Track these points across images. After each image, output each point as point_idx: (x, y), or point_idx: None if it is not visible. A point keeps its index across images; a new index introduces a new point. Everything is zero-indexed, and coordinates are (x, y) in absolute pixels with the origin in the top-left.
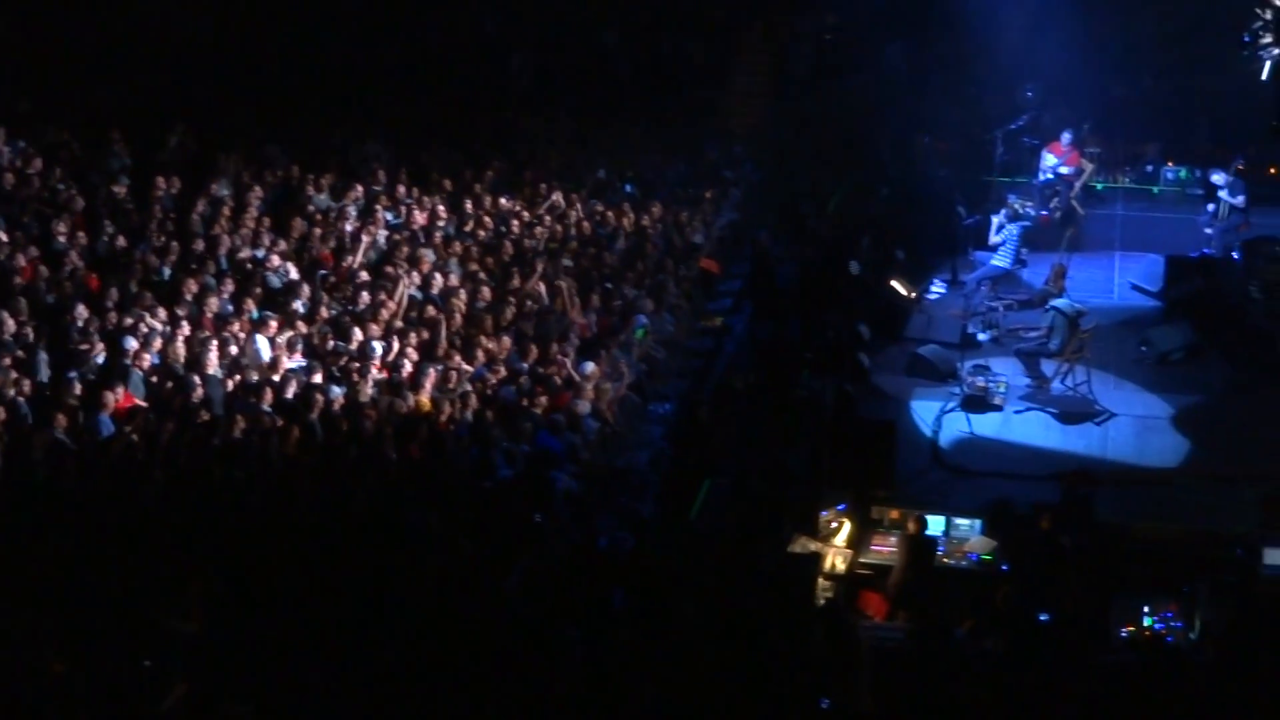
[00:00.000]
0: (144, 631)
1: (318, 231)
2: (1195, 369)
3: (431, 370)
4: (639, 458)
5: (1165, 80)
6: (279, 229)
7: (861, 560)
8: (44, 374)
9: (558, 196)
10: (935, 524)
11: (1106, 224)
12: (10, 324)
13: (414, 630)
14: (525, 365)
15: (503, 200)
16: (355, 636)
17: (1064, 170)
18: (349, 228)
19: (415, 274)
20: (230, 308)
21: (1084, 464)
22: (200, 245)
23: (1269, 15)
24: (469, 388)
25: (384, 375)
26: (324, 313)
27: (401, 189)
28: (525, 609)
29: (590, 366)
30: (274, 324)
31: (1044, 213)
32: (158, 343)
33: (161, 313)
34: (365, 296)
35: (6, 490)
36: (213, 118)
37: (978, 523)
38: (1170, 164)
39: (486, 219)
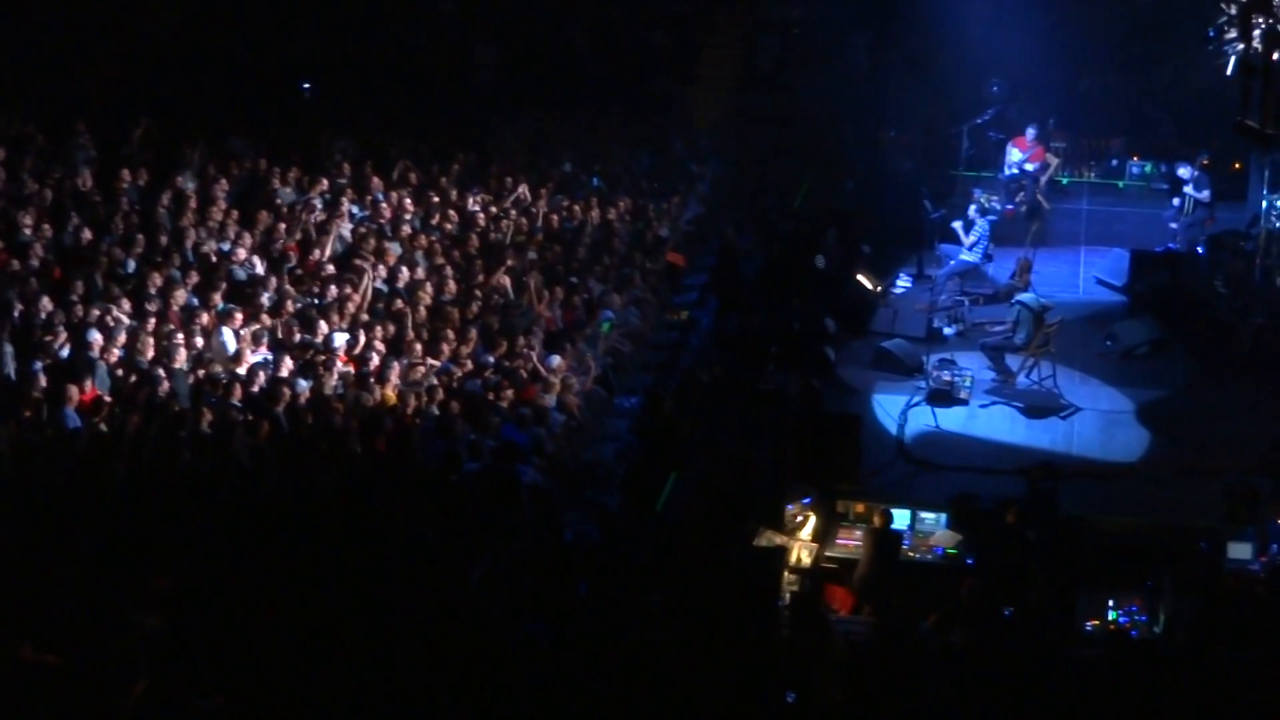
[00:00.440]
0: (108, 625)
1: (283, 225)
2: (1160, 363)
3: (397, 364)
4: (605, 451)
5: (1130, 75)
6: (244, 222)
7: (827, 554)
8: (9, 367)
9: (523, 190)
10: (900, 518)
11: (1072, 219)
12: None
13: (380, 623)
14: (491, 359)
15: (469, 194)
16: (321, 630)
17: (1029, 167)
18: (314, 221)
19: (381, 267)
20: (195, 301)
21: (1049, 458)
22: (166, 238)
23: (1233, 10)
24: (435, 381)
25: (350, 369)
26: (290, 306)
27: (373, 181)
28: (491, 602)
29: (556, 360)
30: (240, 317)
31: (1009, 207)
32: (122, 336)
33: (127, 305)
34: (332, 290)
35: None
36: (178, 111)
37: (943, 517)
38: (1135, 159)
39: (452, 212)
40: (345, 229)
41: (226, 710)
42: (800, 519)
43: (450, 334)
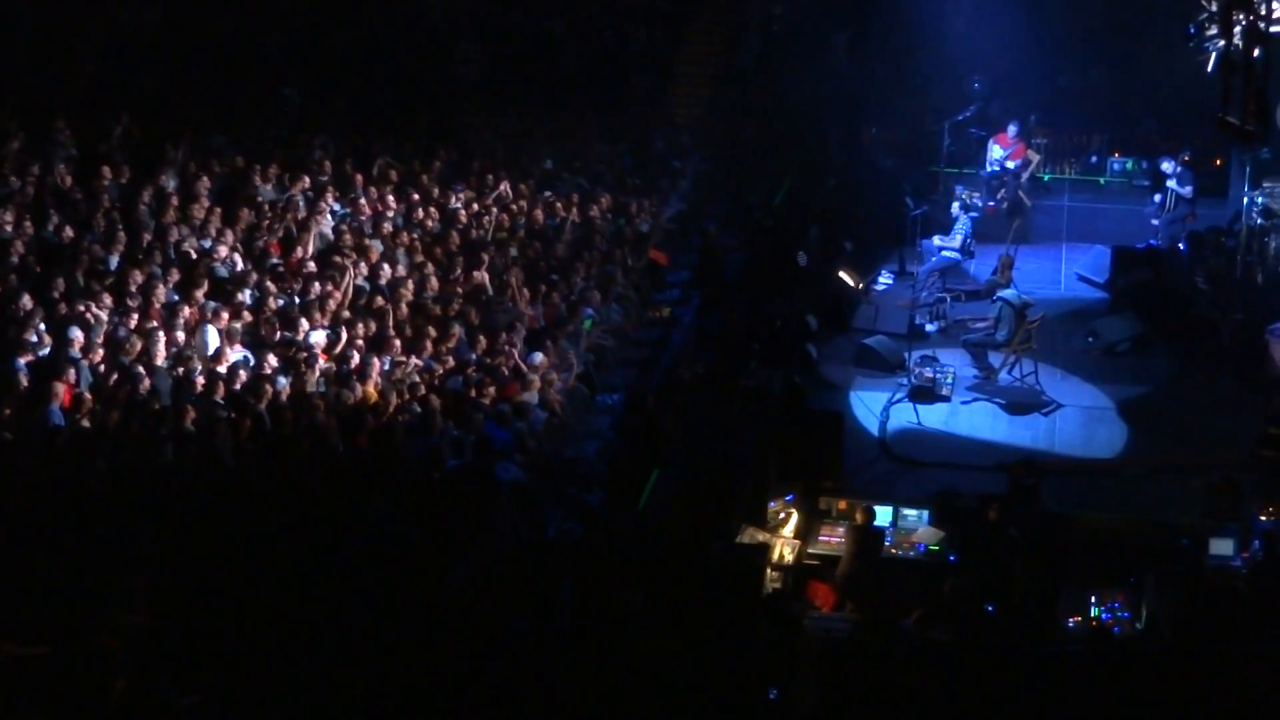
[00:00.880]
0: (90, 622)
1: (265, 222)
2: (1141, 360)
3: (377, 360)
4: (587, 448)
5: (1111, 72)
6: (226, 220)
7: (809, 551)
8: None
9: (505, 187)
10: (883, 515)
11: (1053, 215)
12: None
13: (361, 621)
14: (473, 356)
15: (450, 191)
16: (303, 628)
17: (1010, 163)
18: (296, 218)
19: (363, 264)
20: (176, 298)
21: (1031, 455)
22: (147, 236)
23: (1214, 7)
24: (416, 378)
25: (331, 366)
26: (271, 303)
27: (349, 179)
28: (473, 599)
29: (538, 357)
30: (222, 315)
31: (991, 204)
32: (103, 333)
33: (108, 302)
34: (314, 287)
35: None
36: (158, 108)
37: (925, 513)
38: (1117, 155)
39: (434, 209)
40: (327, 226)
41: (207, 708)
42: (783, 516)
43: (432, 331)
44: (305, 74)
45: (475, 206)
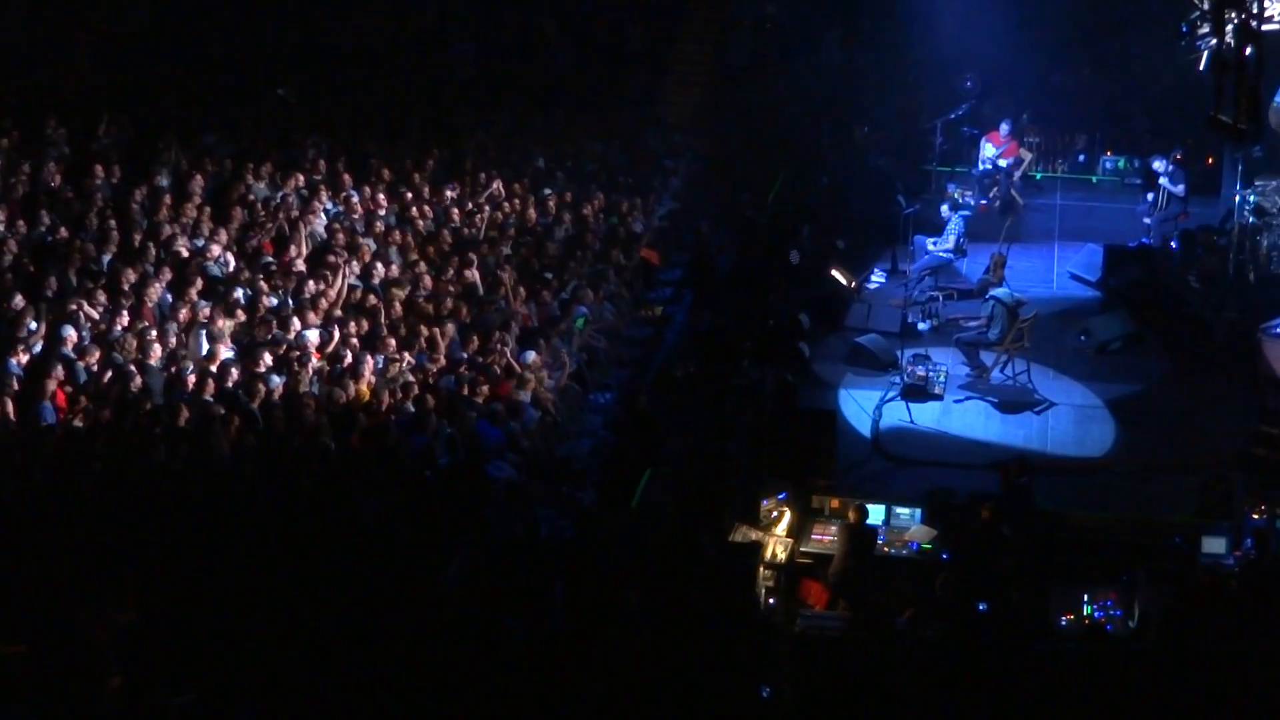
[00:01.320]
0: (82, 621)
1: (258, 221)
2: (1134, 358)
3: (370, 359)
4: (580, 447)
5: (1103, 70)
6: (218, 218)
7: (802, 549)
8: None
9: (498, 186)
10: (875, 513)
11: (1046, 214)
12: None
13: (355, 619)
14: (465, 355)
15: (443, 190)
16: (296, 626)
17: (1003, 162)
18: (289, 217)
19: (355, 263)
20: (169, 297)
21: (1023, 453)
22: (139, 235)
23: (1206, 6)
24: (410, 377)
25: (324, 365)
26: (265, 302)
27: (342, 178)
28: (466, 598)
29: (531, 356)
30: (216, 316)
31: (983, 202)
32: (96, 332)
33: (101, 300)
34: (309, 286)
35: None
36: (150, 106)
37: (918, 512)
38: (1109, 154)
39: (427, 208)
40: (320, 225)
41: (200, 706)
42: (775, 514)
43: (424, 330)
44: (298, 72)
45: (468, 205)
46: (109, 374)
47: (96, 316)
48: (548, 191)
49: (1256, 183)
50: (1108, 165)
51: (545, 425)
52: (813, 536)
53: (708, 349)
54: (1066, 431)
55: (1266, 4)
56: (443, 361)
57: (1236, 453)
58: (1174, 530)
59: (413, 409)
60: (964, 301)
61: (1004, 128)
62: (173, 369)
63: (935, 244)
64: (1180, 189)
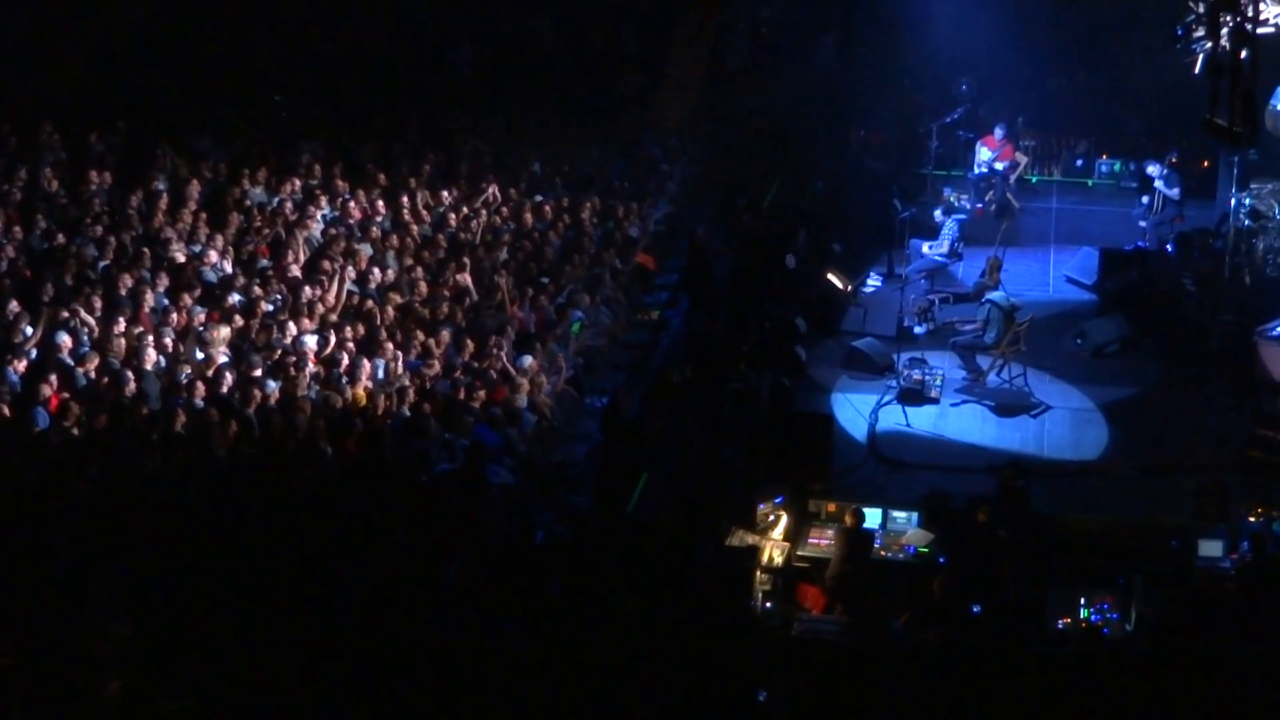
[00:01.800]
0: (79, 628)
1: (254, 226)
2: (1130, 362)
3: (367, 364)
4: (576, 451)
5: (1099, 74)
6: (214, 224)
7: (799, 553)
8: None
9: (494, 190)
10: (872, 517)
11: (1041, 217)
12: None
13: (352, 624)
14: (462, 360)
15: (439, 194)
16: (293, 632)
17: (998, 165)
18: (285, 222)
19: (351, 268)
20: (166, 302)
21: (1020, 457)
22: (135, 240)
23: (1201, 9)
24: (406, 382)
25: (320, 370)
26: (261, 307)
27: (338, 183)
28: (463, 602)
29: (528, 360)
30: (213, 323)
31: (979, 206)
32: (92, 337)
33: (97, 306)
34: (305, 291)
35: None
36: (146, 111)
37: (914, 515)
38: (1104, 157)
39: (424, 213)
40: (316, 230)
41: (198, 712)
42: (772, 519)
43: (420, 334)
44: (293, 77)
45: (464, 210)
46: (105, 380)
47: (93, 322)
48: (540, 198)
49: (1252, 186)
50: (1103, 169)
51: (541, 430)
52: (809, 540)
53: (704, 353)
54: (1063, 435)
55: (1262, 7)
56: (438, 367)
57: (1233, 456)
58: (1170, 533)
59: (409, 414)
60: (960, 305)
61: (998, 131)
62: (169, 374)
63: (930, 248)
64: (1175, 192)
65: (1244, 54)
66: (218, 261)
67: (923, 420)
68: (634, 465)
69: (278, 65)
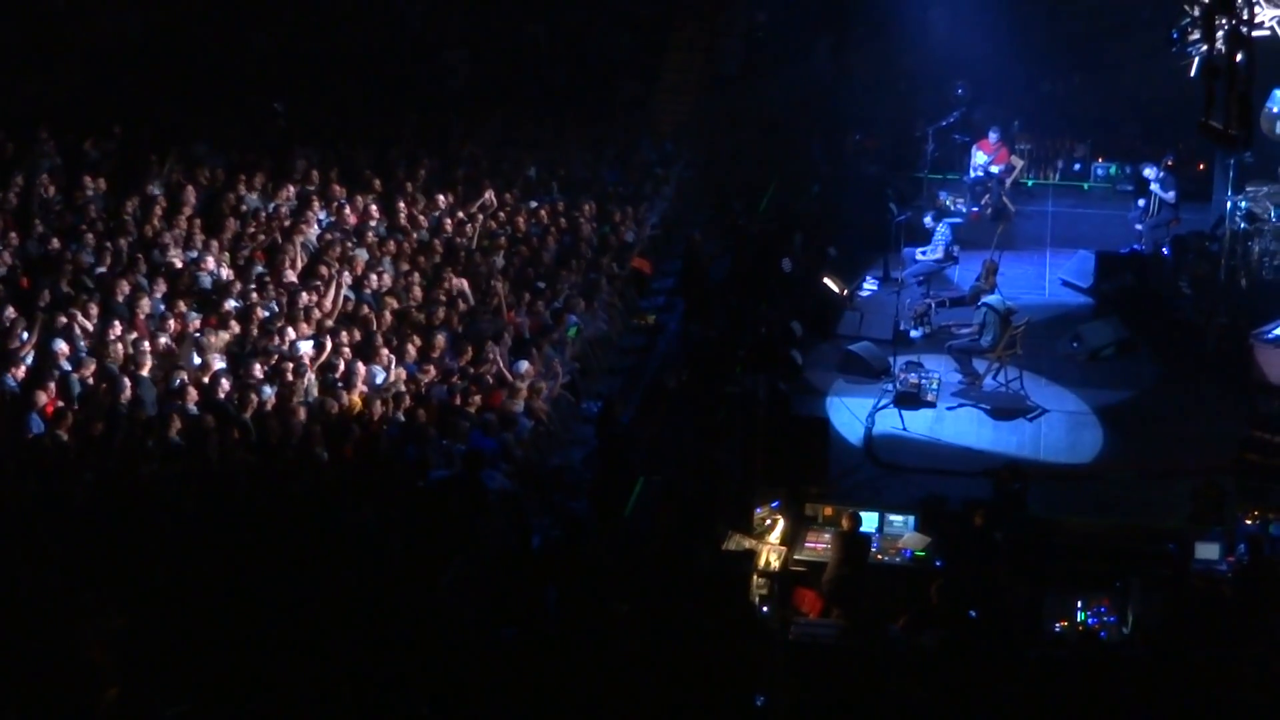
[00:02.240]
0: (77, 632)
1: (250, 231)
2: (1126, 365)
3: (363, 369)
4: (572, 456)
5: (1094, 77)
6: (211, 229)
7: (796, 557)
8: None
9: (490, 195)
10: (869, 520)
11: (1037, 221)
12: None
13: (349, 629)
14: (458, 364)
15: (436, 199)
16: (290, 637)
17: (994, 169)
18: (281, 227)
19: (348, 274)
20: (162, 308)
21: (1016, 460)
22: (131, 246)
23: (1196, 12)
24: (402, 387)
25: (316, 375)
26: (258, 313)
27: (334, 188)
28: (460, 608)
29: (524, 365)
30: (209, 328)
31: (974, 210)
32: (88, 344)
33: (94, 312)
34: (302, 297)
35: None
36: (141, 117)
37: (911, 519)
38: (1100, 160)
39: (420, 218)
40: (312, 235)
41: (196, 717)
42: (769, 522)
43: (417, 340)
44: (289, 83)
45: (460, 215)
46: (101, 386)
47: (90, 328)
48: (534, 203)
49: (1248, 189)
50: (1099, 172)
51: (538, 435)
52: (806, 544)
53: (700, 357)
54: (1059, 438)
55: (1257, 10)
56: (434, 372)
57: (1229, 458)
58: (1167, 536)
59: (404, 419)
60: (956, 309)
61: (992, 135)
62: (165, 379)
63: (924, 253)
64: (1171, 195)
65: (1239, 57)
66: (214, 268)
67: (919, 424)
68: (630, 470)
69: (273, 71)
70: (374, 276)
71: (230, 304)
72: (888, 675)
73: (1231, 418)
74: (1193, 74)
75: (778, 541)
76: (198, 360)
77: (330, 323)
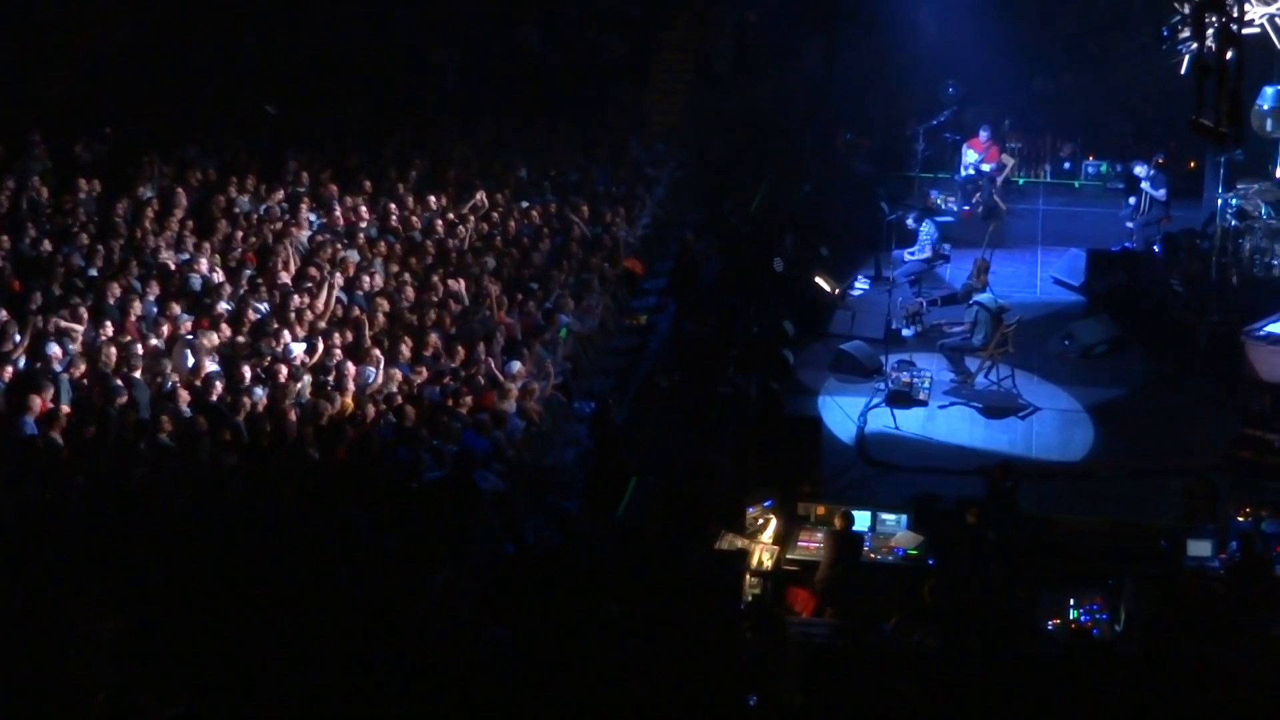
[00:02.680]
0: (67, 635)
1: (240, 234)
2: (1117, 362)
3: (354, 370)
4: (565, 456)
5: (1085, 75)
6: (202, 232)
7: (788, 556)
8: None
9: (481, 196)
10: (861, 519)
11: (1028, 219)
12: None
13: (342, 630)
14: (450, 365)
15: (428, 200)
16: (284, 638)
17: (985, 167)
18: (273, 230)
19: (339, 275)
20: (155, 310)
21: (1008, 458)
22: (123, 249)
23: (1186, 10)
24: (394, 389)
25: (309, 377)
26: (250, 315)
27: (325, 190)
28: (453, 608)
29: (516, 365)
30: (201, 330)
31: (966, 208)
32: (80, 346)
33: (85, 315)
34: (295, 299)
35: None
36: (133, 119)
37: (904, 518)
38: (1091, 158)
39: (412, 219)
40: (304, 237)
41: (189, 719)
42: (761, 522)
43: (409, 341)
44: (280, 85)
45: (451, 216)
46: (94, 388)
47: (79, 330)
48: (526, 204)
49: (1238, 186)
50: (1090, 170)
51: (530, 435)
52: (799, 543)
53: (692, 357)
54: (1051, 436)
55: (1247, 8)
56: (426, 373)
57: (1221, 456)
58: (1159, 534)
59: (396, 420)
60: (948, 307)
61: (983, 134)
62: (158, 381)
63: (912, 254)
64: (1162, 193)
65: (1230, 54)
66: (207, 271)
67: (911, 422)
68: (623, 470)
69: (264, 73)
70: (365, 278)
71: (222, 306)
72: (880, 674)
73: (1223, 415)
74: (1183, 72)
75: (770, 541)
76: (191, 362)
77: (323, 324)
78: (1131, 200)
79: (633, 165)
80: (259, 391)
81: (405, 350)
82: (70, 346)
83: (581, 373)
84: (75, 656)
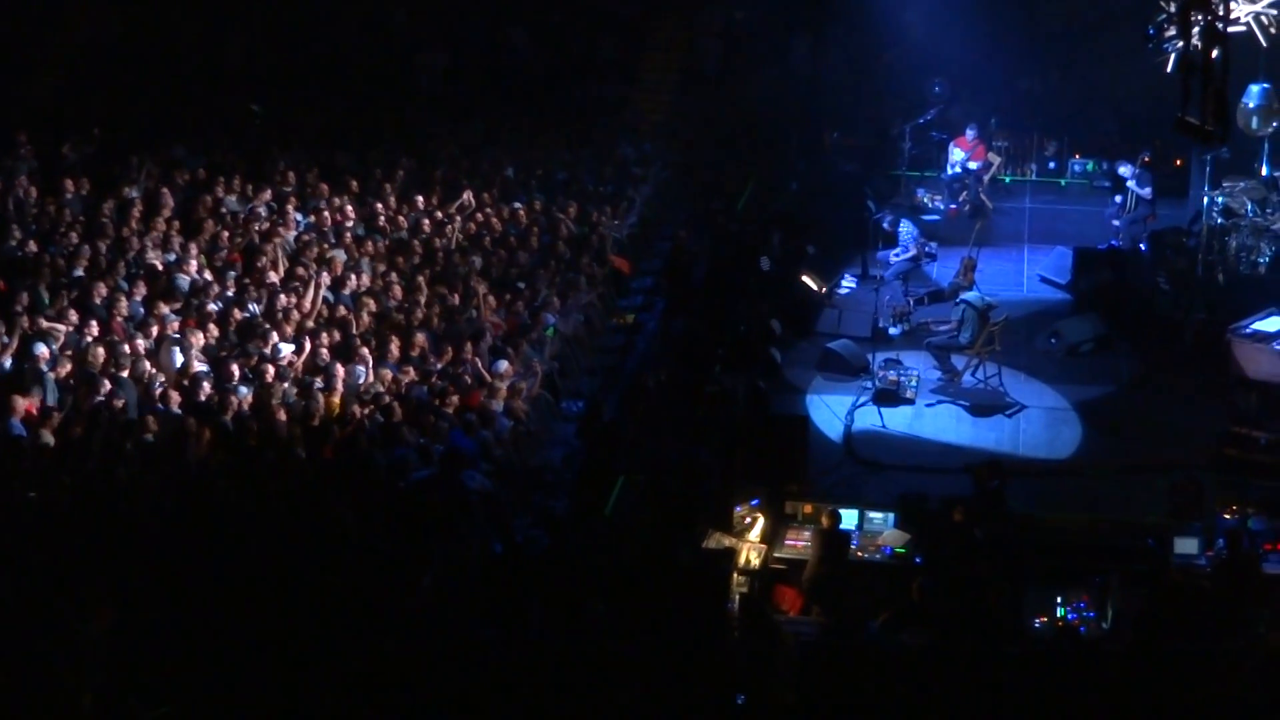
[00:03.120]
0: (54, 636)
1: (227, 234)
2: (1104, 360)
3: (342, 370)
4: (552, 455)
5: (1071, 74)
6: (189, 232)
7: (776, 555)
8: None
9: (468, 196)
10: (849, 518)
11: (1015, 217)
12: None
13: (330, 630)
14: (437, 365)
15: (415, 200)
16: (271, 639)
17: (972, 165)
18: (260, 229)
19: (326, 275)
20: (141, 310)
21: (995, 456)
22: (111, 248)
23: (1172, 8)
24: (381, 388)
25: (296, 376)
26: (237, 315)
27: (311, 189)
28: (441, 608)
29: (503, 365)
30: (188, 331)
31: (953, 206)
32: (67, 347)
33: (72, 316)
34: (280, 299)
35: None
36: (119, 119)
37: (891, 516)
38: (1077, 157)
39: (399, 219)
40: (290, 237)
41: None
42: (748, 521)
43: (396, 340)
44: (267, 85)
45: (438, 215)
46: (81, 388)
47: (64, 331)
48: (517, 205)
49: (1224, 184)
50: (1076, 168)
51: (518, 434)
52: (786, 542)
53: (680, 356)
54: (1038, 434)
55: (1233, 6)
56: (413, 372)
57: (1207, 453)
58: (1146, 531)
59: (384, 420)
60: (935, 305)
61: (969, 132)
62: (145, 381)
63: (896, 255)
64: (1147, 191)
65: (1215, 53)
66: (195, 271)
67: (898, 421)
68: (610, 469)
69: (251, 73)
70: (352, 277)
71: (210, 306)
72: (868, 672)
73: (1210, 413)
74: (1169, 70)
75: (757, 539)
76: (179, 361)
77: (310, 324)
78: (1117, 198)
79: (620, 164)
80: (244, 390)
81: (393, 350)
82: (55, 347)
83: (569, 372)
84: (62, 657)
